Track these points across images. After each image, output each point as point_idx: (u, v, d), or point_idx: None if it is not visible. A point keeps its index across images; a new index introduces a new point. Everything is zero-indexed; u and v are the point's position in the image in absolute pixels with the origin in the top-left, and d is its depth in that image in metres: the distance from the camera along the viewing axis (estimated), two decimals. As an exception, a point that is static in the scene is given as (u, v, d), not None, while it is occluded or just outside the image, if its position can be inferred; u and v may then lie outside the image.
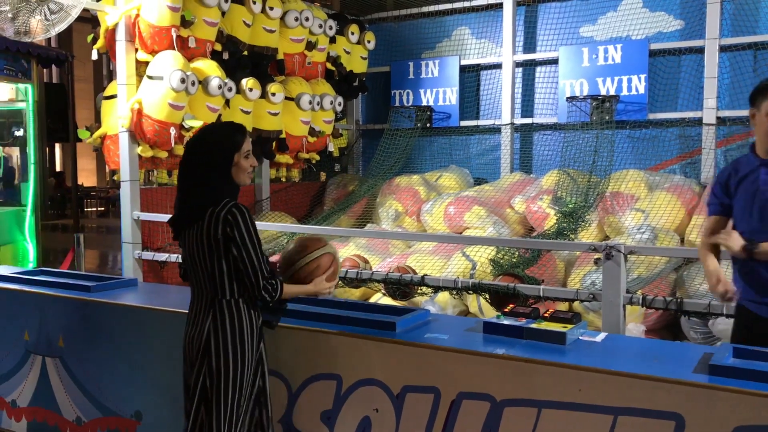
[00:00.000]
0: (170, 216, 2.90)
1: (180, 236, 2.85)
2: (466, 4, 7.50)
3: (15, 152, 8.40)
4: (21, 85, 7.85)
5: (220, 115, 5.98)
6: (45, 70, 9.93)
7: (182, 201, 2.80)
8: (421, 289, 4.68)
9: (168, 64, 5.43)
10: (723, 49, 6.19)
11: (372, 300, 5.41)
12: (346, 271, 4.87)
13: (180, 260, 3.03)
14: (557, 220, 5.61)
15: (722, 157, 6.27)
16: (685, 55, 6.46)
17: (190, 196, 2.76)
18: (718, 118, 6.18)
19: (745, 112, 6.09)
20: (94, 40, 5.78)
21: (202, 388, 2.74)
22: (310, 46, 6.90)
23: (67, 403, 3.88)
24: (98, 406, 3.76)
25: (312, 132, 7.03)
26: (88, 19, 7.38)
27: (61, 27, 5.20)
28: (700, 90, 6.29)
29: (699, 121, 6.28)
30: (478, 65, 7.57)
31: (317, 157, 7.38)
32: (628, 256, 3.86)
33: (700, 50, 6.28)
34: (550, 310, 3.07)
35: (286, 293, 2.80)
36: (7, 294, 4.15)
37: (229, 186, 2.75)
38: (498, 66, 7.39)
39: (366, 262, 5.50)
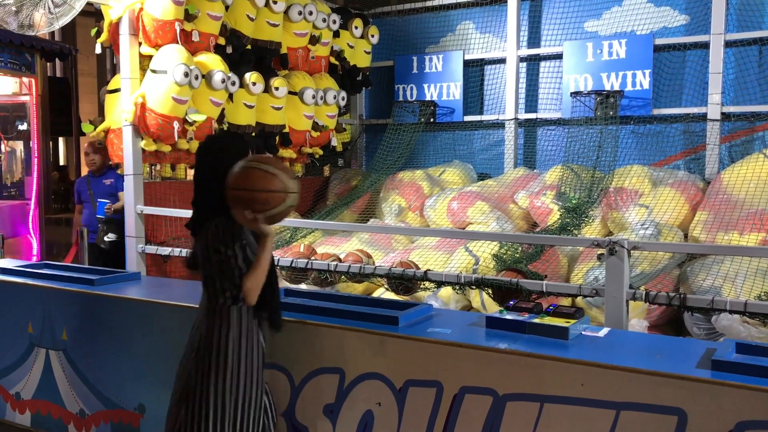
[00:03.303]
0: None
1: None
2: (471, -2, 7.49)
3: (19, 146, 8.41)
4: (25, 79, 7.85)
5: (223, 109, 5.98)
6: (48, 64, 9.94)
7: (193, 206, 2.89)
8: (423, 284, 4.68)
9: (171, 57, 5.43)
10: (728, 44, 6.16)
11: (375, 295, 5.42)
12: (349, 266, 4.88)
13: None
14: (561, 215, 5.60)
15: (726, 153, 6.25)
16: (690, 50, 6.43)
17: (198, 202, 2.85)
18: (722, 113, 6.16)
19: (749, 108, 6.09)
20: (98, 33, 5.78)
21: (184, 388, 2.79)
22: (314, 40, 6.89)
23: (71, 395, 3.90)
24: (102, 398, 3.77)
25: (315, 126, 7.03)
26: (92, 13, 7.37)
27: (65, 20, 5.19)
28: (705, 85, 6.27)
29: (703, 117, 6.25)
30: (482, 60, 7.55)
31: (320, 152, 7.37)
32: (632, 251, 3.84)
33: (705, 45, 6.26)
34: (545, 302, 3.06)
35: (252, 282, 2.70)
36: (11, 287, 4.16)
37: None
38: (502, 61, 7.37)
39: (369, 257, 5.50)
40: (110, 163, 6.01)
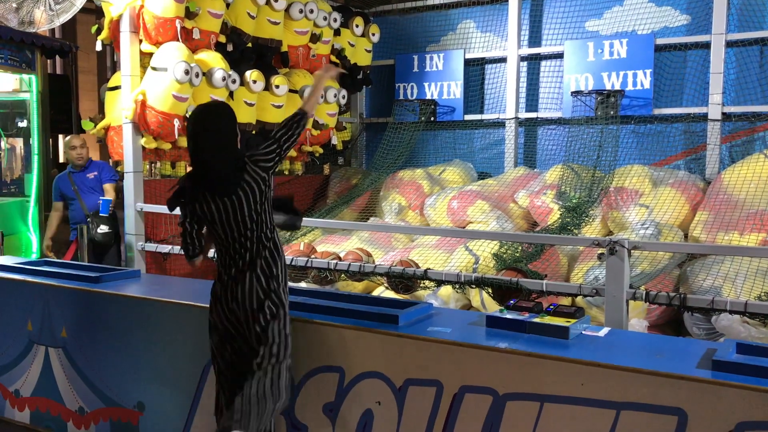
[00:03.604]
0: (186, 190, 3.01)
1: (195, 212, 2.99)
2: (472, -3, 7.49)
3: (18, 143, 8.40)
4: (25, 76, 7.83)
5: (224, 107, 5.97)
6: (49, 61, 9.91)
7: (205, 171, 2.94)
8: (423, 283, 4.67)
9: (172, 55, 5.42)
10: (729, 44, 6.16)
11: (375, 293, 5.41)
12: (349, 264, 4.87)
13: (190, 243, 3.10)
14: (561, 215, 5.60)
15: (727, 153, 6.25)
16: (691, 50, 6.43)
17: (214, 165, 2.93)
18: (723, 113, 6.16)
19: (750, 108, 6.09)
20: (99, 31, 5.77)
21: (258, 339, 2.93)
22: (315, 38, 6.88)
23: (70, 393, 3.89)
24: (101, 396, 3.77)
25: (316, 125, 7.02)
26: (93, 10, 7.35)
27: (66, 17, 5.20)
28: (706, 85, 6.26)
29: (704, 117, 6.25)
30: (483, 59, 7.54)
31: (321, 150, 7.37)
32: (632, 251, 3.84)
33: (706, 45, 6.25)
34: (545, 301, 3.06)
35: (309, 106, 3.17)
36: (10, 284, 4.16)
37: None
38: (503, 60, 7.36)
39: (369, 255, 5.50)
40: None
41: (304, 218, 6.03)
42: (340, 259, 5.21)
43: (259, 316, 2.91)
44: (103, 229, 5.71)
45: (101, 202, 5.74)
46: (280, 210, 3.20)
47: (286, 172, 7.24)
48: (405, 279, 4.64)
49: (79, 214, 5.86)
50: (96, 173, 5.94)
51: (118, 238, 5.86)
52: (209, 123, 2.97)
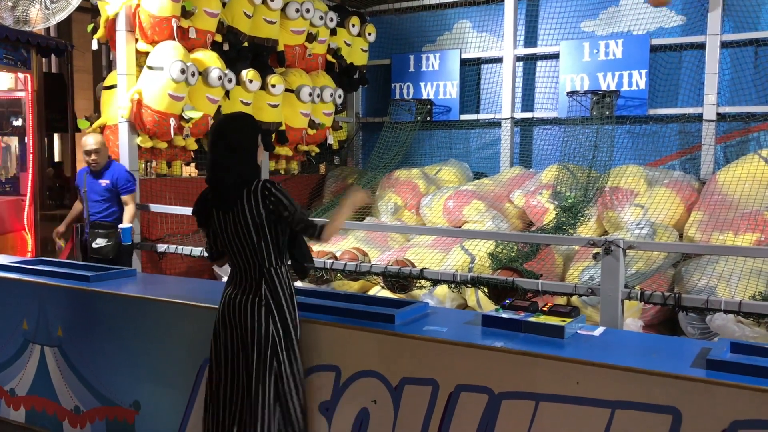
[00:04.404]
0: (203, 200, 3.07)
1: (211, 220, 3.02)
2: (468, -3, 7.50)
3: (14, 142, 8.38)
4: (20, 75, 7.82)
5: (220, 107, 5.97)
6: (44, 60, 9.89)
7: (218, 184, 2.97)
8: (419, 283, 4.68)
9: (168, 54, 5.42)
10: (724, 45, 6.18)
11: (371, 293, 5.42)
12: (345, 264, 4.88)
13: (206, 247, 3.22)
14: (556, 214, 5.61)
15: (722, 153, 6.27)
16: (686, 50, 6.45)
17: (226, 178, 2.94)
18: (718, 114, 6.18)
19: (745, 109, 6.12)
20: (94, 29, 5.76)
21: (264, 352, 2.92)
22: (311, 37, 6.88)
23: (66, 392, 3.89)
24: (97, 395, 3.76)
25: (312, 124, 7.02)
26: (88, 9, 7.34)
27: (61, 16, 5.20)
28: (701, 86, 6.29)
29: (699, 117, 6.28)
30: (479, 59, 7.55)
31: (317, 150, 7.37)
32: (627, 251, 3.86)
33: (701, 46, 6.28)
34: (549, 304, 3.07)
35: (329, 231, 3.03)
36: (6, 283, 4.15)
37: (256, 166, 3.00)
38: (499, 60, 7.38)
39: (365, 255, 5.50)
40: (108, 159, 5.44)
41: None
42: (336, 258, 5.21)
43: (254, 339, 2.93)
44: (99, 243, 5.24)
45: (121, 230, 5.21)
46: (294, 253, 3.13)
47: (282, 172, 7.25)
48: (401, 278, 4.65)
49: (85, 218, 5.41)
50: (109, 181, 5.33)
51: (122, 250, 5.34)
52: (223, 134, 2.97)
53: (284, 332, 2.95)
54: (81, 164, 5.93)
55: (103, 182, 5.33)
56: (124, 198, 5.35)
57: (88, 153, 5.28)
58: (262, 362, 2.90)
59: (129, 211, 5.32)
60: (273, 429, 2.91)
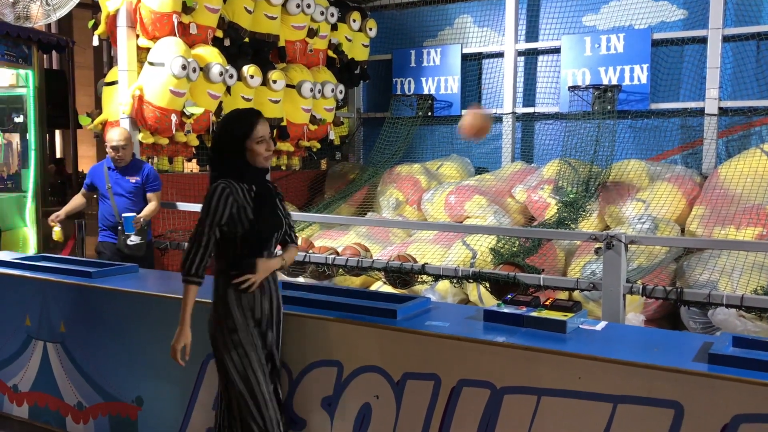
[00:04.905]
0: None
1: None
2: (469, -8, 7.48)
3: (15, 138, 8.39)
4: (21, 71, 7.82)
5: (221, 103, 5.97)
6: (45, 56, 9.88)
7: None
8: (421, 278, 4.69)
9: (169, 50, 5.42)
10: (726, 39, 6.17)
11: (372, 288, 5.42)
12: (347, 259, 4.88)
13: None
14: (558, 209, 5.61)
15: (724, 147, 6.26)
16: (687, 44, 6.44)
17: (212, 166, 2.98)
18: (720, 108, 6.17)
19: (747, 103, 6.10)
20: (95, 26, 5.76)
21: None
22: (312, 33, 6.87)
23: (69, 388, 3.90)
24: (99, 391, 3.77)
25: (313, 120, 7.02)
26: (89, 5, 7.35)
27: (62, 12, 5.18)
28: (703, 80, 6.27)
29: (701, 112, 6.26)
30: (480, 54, 7.54)
31: (318, 145, 7.36)
32: (629, 245, 3.86)
33: (703, 40, 6.26)
34: (551, 299, 3.07)
35: (185, 274, 2.89)
36: (8, 280, 4.16)
37: (247, 169, 2.90)
38: (500, 55, 7.36)
39: (366, 250, 5.51)
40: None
41: (301, 214, 6.05)
42: (337, 254, 5.22)
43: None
44: (134, 240, 5.01)
45: (124, 218, 4.98)
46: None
47: (284, 167, 7.25)
48: (403, 274, 4.65)
49: (111, 217, 5.07)
50: (138, 179, 5.09)
51: (150, 248, 5.22)
52: (219, 127, 3.01)
53: (221, 320, 2.98)
54: (83, 160, 5.89)
55: (133, 179, 5.09)
56: (150, 195, 5.14)
57: (115, 149, 5.01)
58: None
59: (151, 207, 5.11)
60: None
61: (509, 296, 3.19)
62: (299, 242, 3.02)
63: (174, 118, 5.54)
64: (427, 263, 4.65)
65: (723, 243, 4.66)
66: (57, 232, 5.23)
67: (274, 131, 6.71)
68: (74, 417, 3.90)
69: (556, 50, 7.05)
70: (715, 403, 2.31)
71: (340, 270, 4.95)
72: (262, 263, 2.89)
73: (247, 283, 2.86)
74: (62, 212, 5.24)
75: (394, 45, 7.97)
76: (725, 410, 2.30)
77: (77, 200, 5.35)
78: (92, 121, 5.99)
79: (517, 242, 5.10)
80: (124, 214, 4.98)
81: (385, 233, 6.22)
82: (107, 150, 5.05)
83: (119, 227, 5.00)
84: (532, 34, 7.29)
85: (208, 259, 2.85)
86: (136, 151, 5.64)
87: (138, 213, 5.01)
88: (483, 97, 7.58)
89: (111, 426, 3.74)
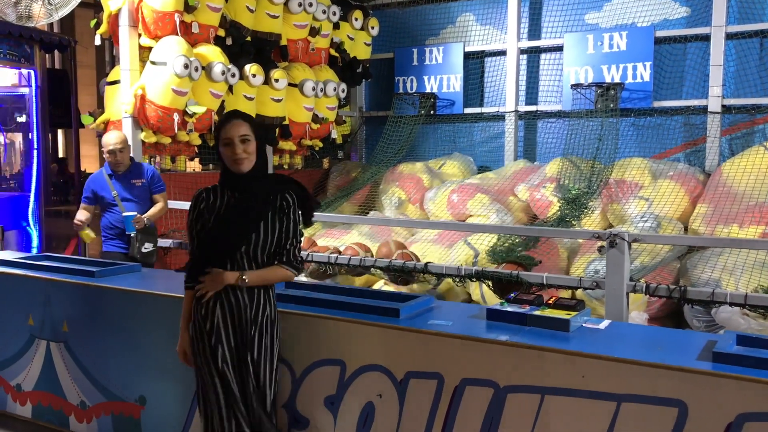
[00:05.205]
0: None
1: None
2: (471, -10, 7.47)
3: (18, 138, 8.40)
4: (23, 71, 7.82)
5: (223, 102, 5.97)
6: (47, 56, 9.89)
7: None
8: (423, 277, 4.68)
9: (171, 49, 5.42)
10: (729, 36, 6.15)
11: (375, 287, 5.42)
12: (349, 258, 4.88)
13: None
14: (560, 207, 5.60)
15: (727, 145, 6.25)
16: (690, 42, 6.42)
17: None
18: (723, 106, 6.15)
19: (750, 101, 6.09)
20: (97, 25, 5.76)
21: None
22: (314, 32, 6.87)
23: (72, 387, 3.90)
24: (102, 390, 3.78)
25: (315, 119, 7.01)
26: (91, 4, 7.36)
27: (64, 12, 5.19)
28: (706, 78, 6.26)
29: (704, 109, 6.25)
30: (483, 52, 7.53)
31: (320, 144, 7.36)
32: (632, 244, 3.85)
33: (706, 38, 6.25)
34: (554, 298, 3.07)
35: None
36: (11, 279, 4.16)
37: (225, 173, 2.86)
38: (502, 53, 7.35)
39: (367, 250, 5.50)
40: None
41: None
42: (339, 252, 5.22)
43: None
44: (148, 247, 4.86)
45: (125, 217, 4.79)
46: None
47: (286, 166, 7.25)
48: (405, 273, 4.65)
49: (120, 224, 4.86)
50: (144, 180, 4.94)
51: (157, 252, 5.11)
52: None
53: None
54: (85, 160, 5.87)
55: (138, 182, 4.92)
56: (156, 196, 5.00)
57: (112, 153, 4.78)
58: None
59: (158, 207, 4.99)
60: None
61: (512, 295, 3.18)
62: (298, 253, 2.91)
63: (176, 117, 5.55)
64: (429, 262, 4.65)
65: (726, 241, 4.64)
66: (86, 234, 4.95)
67: (277, 130, 6.70)
68: (77, 416, 3.91)
69: (559, 48, 7.04)
70: (719, 401, 2.31)
71: (342, 269, 4.94)
72: (214, 275, 2.78)
73: (199, 292, 2.83)
74: (83, 218, 4.88)
75: (396, 43, 7.97)
76: (729, 409, 2.29)
77: (83, 215, 4.97)
78: (95, 121, 5.99)
79: (517, 239, 5.09)
80: (124, 214, 4.82)
81: (388, 232, 6.21)
82: (105, 155, 4.85)
83: (131, 235, 4.81)
84: (534, 32, 7.28)
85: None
86: (137, 150, 5.65)
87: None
88: (485, 96, 7.57)
89: (114, 425, 3.75)
